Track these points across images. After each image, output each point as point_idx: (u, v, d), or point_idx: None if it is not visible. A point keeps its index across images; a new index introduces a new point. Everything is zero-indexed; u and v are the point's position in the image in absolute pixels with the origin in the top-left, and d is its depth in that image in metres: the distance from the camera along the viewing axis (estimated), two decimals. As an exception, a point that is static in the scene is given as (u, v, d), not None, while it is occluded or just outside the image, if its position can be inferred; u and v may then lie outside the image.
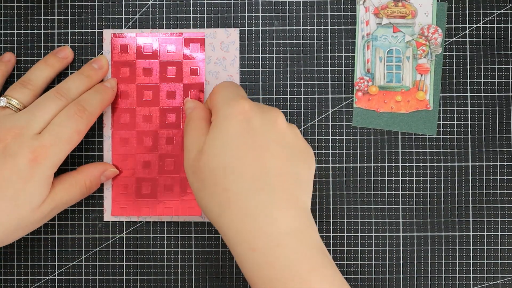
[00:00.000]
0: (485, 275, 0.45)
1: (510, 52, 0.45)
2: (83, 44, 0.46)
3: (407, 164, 0.45)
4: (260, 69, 0.45)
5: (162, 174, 0.45)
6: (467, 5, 0.45)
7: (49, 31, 0.46)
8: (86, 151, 0.45)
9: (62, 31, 0.46)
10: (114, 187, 0.45)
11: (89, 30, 0.46)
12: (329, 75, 0.45)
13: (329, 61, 0.45)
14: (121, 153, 0.45)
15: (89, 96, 0.42)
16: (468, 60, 0.45)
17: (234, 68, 0.45)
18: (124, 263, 0.45)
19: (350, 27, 0.45)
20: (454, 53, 0.45)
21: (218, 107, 0.38)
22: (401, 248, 0.45)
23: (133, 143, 0.45)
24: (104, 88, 0.44)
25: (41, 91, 0.44)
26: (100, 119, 0.45)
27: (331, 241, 0.45)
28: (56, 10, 0.46)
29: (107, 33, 0.45)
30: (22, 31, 0.46)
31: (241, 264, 0.36)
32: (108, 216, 0.45)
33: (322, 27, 0.46)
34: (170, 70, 0.45)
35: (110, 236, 0.45)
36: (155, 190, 0.45)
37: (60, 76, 0.46)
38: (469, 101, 0.45)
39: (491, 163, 0.45)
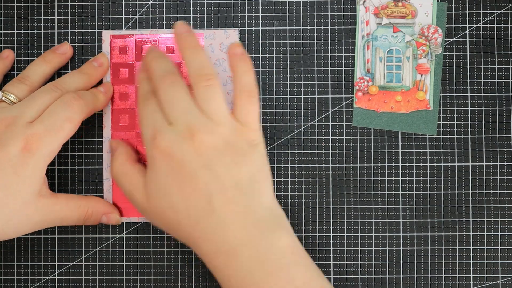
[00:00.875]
0: (485, 275, 0.45)
1: (510, 52, 0.45)
2: (83, 44, 0.46)
3: (407, 164, 0.45)
4: (260, 69, 0.45)
5: None
6: (467, 5, 0.45)
7: (49, 31, 0.46)
8: (86, 151, 0.45)
9: (62, 31, 0.46)
10: (115, 189, 0.45)
11: (89, 30, 0.46)
12: (329, 75, 0.45)
13: (329, 61, 0.45)
14: None
15: (86, 92, 0.43)
16: (468, 60, 0.45)
17: None
18: (124, 263, 0.45)
19: (350, 27, 0.45)
20: (454, 53, 0.45)
21: (144, 142, 0.39)
22: (401, 248, 0.45)
23: (133, 145, 0.45)
24: (98, 92, 0.44)
25: (39, 86, 0.43)
26: (99, 120, 0.45)
27: (331, 241, 0.45)
28: (56, 10, 0.46)
29: (106, 34, 0.45)
30: (22, 31, 0.46)
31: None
32: (108, 216, 0.45)
33: (322, 27, 0.46)
34: None
35: (110, 236, 0.45)
36: None
37: (60, 74, 0.46)
38: (469, 101, 0.45)
39: (491, 163, 0.45)
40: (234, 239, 0.36)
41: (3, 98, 0.41)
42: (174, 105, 0.38)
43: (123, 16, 0.46)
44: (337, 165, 0.45)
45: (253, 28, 0.46)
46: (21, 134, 0.38)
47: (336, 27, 0.46)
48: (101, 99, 0.43)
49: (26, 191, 0.39)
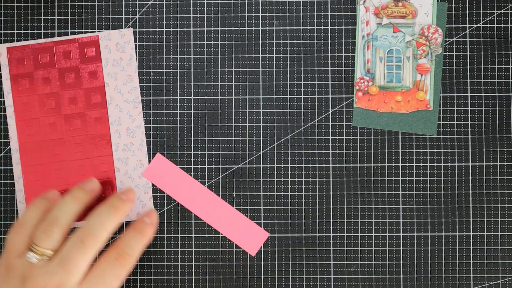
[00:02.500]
0: (485, 275, 0.45)
1: (510, 52, 0.45)
2: (83, 44, 0.46)
3: (407, 164, 0.45)
4: (260, 69, 0.45)
5: (77, 180, 0.45)
6: (467, 5, 0.45)
7: (49, 31, 0.46)
8: None
9: (62, 31, 0.46)
10: (27, 194, 0.45)
11: (89, 30, 0.46)
12: (329, 75, 0.45)
13: (329, 61, 0.45)
14: (31, 164, 0.45)
15: (130, 238, 0.41)
16: (468, 60, 0.45)
17: (132, 68, 0.45)
18: (124, 263, 0.45)
19: (350, 27, 0.45)
20: (454, 53, 0.45)
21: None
22: (401, 248, 0.45)
23: (42, 153, 0.45)
24: (144, 226, 0.42)
25: (70, 228, 0.42)
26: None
27: (331, 241, 0.45)
28: (56, 10, 0.46)
29: (3, 47, 0.45)
30: (22, 31, 0.46)
31: None
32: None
33: (322, 27, 0.46)
34: (68, 76, 0.45)
35: (110, 236, 0.45)
36: None
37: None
38: (469, 101, 0.45)
39: (491, 163, 0.45)
40: None
41: (38, 258, 0.39)
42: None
43: (123, 16, 0.46)
44: (337, 165, 0.45)
45: (253, 28, 0.46)
46: None
47: (336, 27, 0.46)
48: (150, 233, 0.43)
49: None
